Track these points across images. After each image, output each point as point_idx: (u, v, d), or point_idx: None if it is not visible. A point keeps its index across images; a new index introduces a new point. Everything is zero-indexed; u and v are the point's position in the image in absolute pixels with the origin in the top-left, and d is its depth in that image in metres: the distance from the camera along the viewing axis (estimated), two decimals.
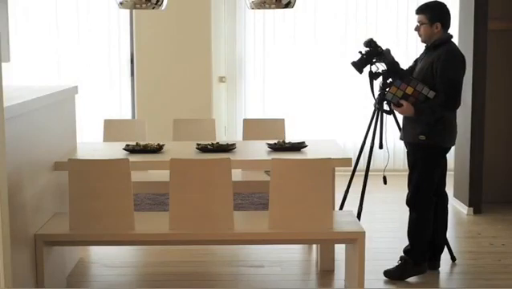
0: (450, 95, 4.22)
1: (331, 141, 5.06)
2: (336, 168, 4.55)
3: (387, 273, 4.39)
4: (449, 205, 6.19)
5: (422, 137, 4.32)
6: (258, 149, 4.67)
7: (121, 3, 4.42)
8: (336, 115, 7.43)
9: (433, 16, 4.30)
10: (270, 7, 4.46)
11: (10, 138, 3.17)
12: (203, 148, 4.56)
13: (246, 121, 5.55)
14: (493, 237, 5.27)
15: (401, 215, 5.03)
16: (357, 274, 3.91)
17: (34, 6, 7.30)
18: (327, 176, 3.92)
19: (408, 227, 4.44)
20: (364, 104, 6.34)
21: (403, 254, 4.44)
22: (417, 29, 4.38)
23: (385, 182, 4.89)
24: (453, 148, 6.57)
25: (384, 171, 4.82)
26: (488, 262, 4.73)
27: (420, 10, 4.36)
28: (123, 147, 4.62)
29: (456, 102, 4.27)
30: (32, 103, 3.80)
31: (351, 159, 4.39)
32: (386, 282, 4.35)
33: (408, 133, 4.43)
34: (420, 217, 4.39)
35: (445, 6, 4.41)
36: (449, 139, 4.38)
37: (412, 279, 4.40)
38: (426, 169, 4.37)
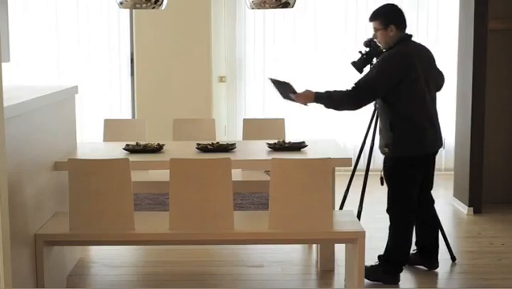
0: (358, 88, 4.17)
1: (331, 141, 5.05)
2: (336, 168, 4.55)
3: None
4: (449, 205, 6.21)
5: (385, 150, 4.31)
6: (258, 149, 4.67)
7: (121, 3, 4.42)
8: (336, 115, 7.42)
9: (386, 20, 4.26)
10: (270, 7, 4.46)
11: (10, 138, 3.17)
12: (203, 148, 4.57)
13: (246, 121, 5.55)
14: (493, 237, 5.27)
15: None
16: (357, 274, 3.91)
17: (34, 7, 7.31)
18: (327, 176, 3.91)
19: (388, 235, 4.37)
20: None
21: (380, 255, 4.39)
22: (375, 36, 4.34)
23: (382, 183, 4.87)
24: (453, 147, 6.60)
25: (381, 171, 4.81)
26: (488, 262, 4.73)
27: (373, 17, 4.32)
28: (123, 147, 4.62)
29: (359, 98, 4.19)
30: (32, 103, 3.80)
31: (351, 159, 4.39)
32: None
33: (379, 145, 4.42)
34: (397, 228, 4.30)
35: (396, 6, 4.37)
36: (413, 147, 4.24)
37: (412, 279, 4.40)
38: (396, 181, 4.30)
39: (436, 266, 4.53)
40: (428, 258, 4.52)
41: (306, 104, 4.41)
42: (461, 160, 6.05)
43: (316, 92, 4.30)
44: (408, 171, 4.28)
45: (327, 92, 4.29)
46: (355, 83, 4.22)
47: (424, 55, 4.32)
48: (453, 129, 6.37)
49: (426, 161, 4.36)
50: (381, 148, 4.37)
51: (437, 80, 4.42)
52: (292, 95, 4.39)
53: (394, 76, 4.17)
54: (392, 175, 4.32)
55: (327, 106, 4.33)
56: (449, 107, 6.66)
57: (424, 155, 4.31)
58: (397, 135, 4.24)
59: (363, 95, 4.22)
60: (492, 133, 6.07)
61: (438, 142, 4.38)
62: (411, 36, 4.33)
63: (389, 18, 4.27)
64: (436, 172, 7.09)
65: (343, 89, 4.25)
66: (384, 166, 4.36)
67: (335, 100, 4.27)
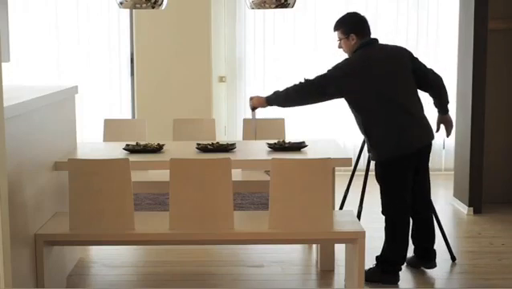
0: (307, 83, 4.25)
1: (331, 141, 5.06)
2: (336, 168, 4.55)
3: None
4: (449, 205, 6.21)
5: (370, 155, 4.38)
6: (258, 149, 4.67)
7: (121, 3, 4.42)
8: (336, 115, 7.43)
9: (347, 29, 4.34)
10: (270, 7, 4.47)
11: (10, 138, 3.17)
12: (203, 148, 4.57)
13: (246, 121, 5.55)
14: (493, 237, 5.27)
15: None
16: (357, 274, 3.91)
17: (34, 7, 7.31)
18: (327, 176, 3.91)
19: (384, 236, 4.38)
20: None
21: (378, 256, 4.39)
22: (340, 46, 4.40)
23: None
24: (453, 147, 6.60)
25: None
26: (488, 262, 4.73)
27: (335, 27, 4.40)
28: (123, 147, 4.62)
29: (306, 93, 4.27)
30: (32, 103, 3.80)
31: (351, 159, 4.39)
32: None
33: None
34: (393, 229, 4.31)
35: (356, 15, 4.42)
36: (395, 148, 4.21)
37: (411, 279, 4.40)
38: (388, 184, 4.31)
39: (434, 266, 4.51)
40: (426, 259, 4.50)
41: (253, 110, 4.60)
42: (461, 160, 6.05)
43: (267, 96, 4.47)
44: (398, 172, 4.28)
45: (276, 91, 4.44)
46: (306, 78, 4.31)
47: (391, 55, 4.33)
48: (453, 129, 6.35)
49: (417, 158, 4.31)
50: (368, 153, 4.44)
51: (422, 78, 4.37)
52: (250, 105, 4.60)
53: (347, 77, 4.22)
54: (383, 178, 4.33)
55: (279, 104, 4.47)
56: (449, 107, 6.65)
57: (413, 152, 4.26)
58: (374, 140, 4.29)
59: (310, 90, 4.28)
60: (492, 133, 6.07)
61: (425, 136, 4.33)
62: (376, 40, 4.36)
63: (350, 27, 4.35)
64: (436, 173, 7.13)
65: (293, 84, 4.36)
66: (375, 170, 4.37)
67: (283, 95, 4.38)
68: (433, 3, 7.40)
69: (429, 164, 4.51)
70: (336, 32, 4.40)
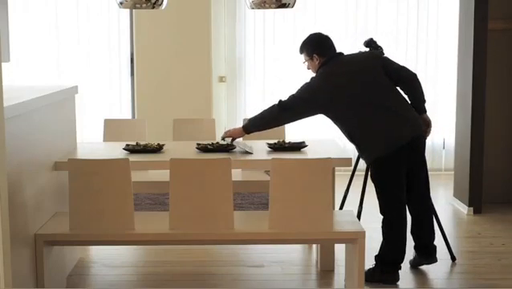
0: (284, 102, 4.36)
1: (331, 141, 5.06)
2: (336, 168, 4.56)
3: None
4: (449, 205, 6.20)
5: (362, 157, 4.44)
6: (258, 149, 4.67)
7: (121, 3, 4.42)
8: None
9: (309, 51, 4.44)
10: (270, 7, 4.47)
11: (10, 138, 3.17)
12: (203, 148, 4.57)
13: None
14: (493, 237, 5.27)
15: None
16: (357, 274, 3.91)
17: (34, 7, 7.31)
18: (327, 176, 3.91)
19: (382, 236, 4.39)
20: None
21: (376, 255, 4.40)
22: (308, 67, 4.50)
23: None
24: (453, 147, 6.60)
25: None
26: (488, 262, 4.73)
27: (300, 50, 4.51)
28: (123, 147, 4.62)
29: (281, 115, 4.39)
30: (32, 103, 3.80)
31: (351, 159, 4.40)
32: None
33: None
34: (390, 228, 4.33)
35: (318, 35, 4.49)
36: (384, 146, 4.24)
37: (411, 279, 4.40)
38: (383, 185, 4.33)
39: (435, 261, 4.51)
40: (427, 255, 4.51)
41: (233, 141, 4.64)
42: (461, 160, 6.05)
43: (243, 125, 4.59)
44: (390, 171, 4.29)
45: (250, 118, 4.57)
46: (280, 100, 4.40)
47: (356, 62, 4.39)
48: (453, 129, 6.37)
49: (407, 153, 4.29)
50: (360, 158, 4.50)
51: (395, 76, 4.36)
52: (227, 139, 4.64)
53: (315, 95, 4.33)
54: (376, 179, 4.34)
55: (257, 129, 4.54)
56: (449, 107, 6.66)
57: (401, 147, 4.25)
58: (359, 144, 4.35)
59: (283, 111, 4.38)
60: (492, 133, 6.07)
61: (410, 130, 4.29)
62: (340, 54, 4.42)
63: (311, 49, 4.44)
64: (436, 173, 7.13)
65: (268, 106, 4.46)
66: (370, 172, 4.40)
67: (259, 120, 4.49)
68: (433, 3, 7.39)
69: (429, 165, 4.51)
70: (302, 55, 4.49)
